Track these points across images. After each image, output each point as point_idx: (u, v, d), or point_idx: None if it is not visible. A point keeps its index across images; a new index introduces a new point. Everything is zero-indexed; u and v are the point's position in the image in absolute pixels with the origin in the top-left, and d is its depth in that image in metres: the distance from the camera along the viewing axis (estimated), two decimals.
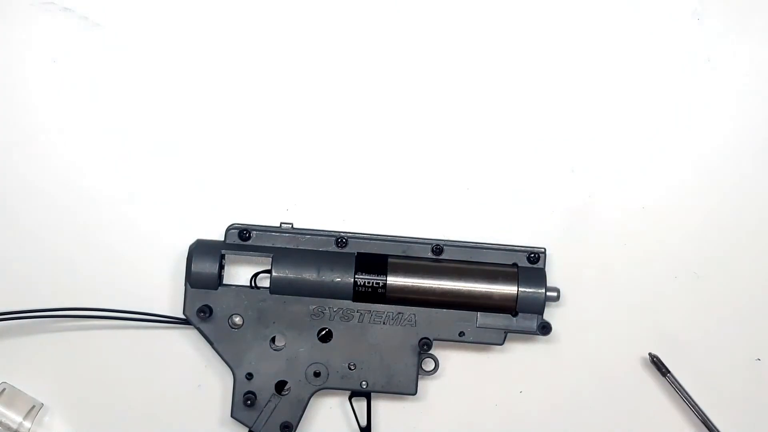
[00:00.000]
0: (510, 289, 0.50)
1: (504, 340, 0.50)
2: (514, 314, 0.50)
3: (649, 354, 0.53)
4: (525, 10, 0.54)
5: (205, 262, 0.49)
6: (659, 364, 0.52)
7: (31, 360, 0.52)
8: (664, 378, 0.52)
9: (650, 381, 0.53)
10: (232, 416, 0.50)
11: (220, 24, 0.53)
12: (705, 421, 0.52)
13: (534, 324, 0.50)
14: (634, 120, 0.54)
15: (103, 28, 0.53)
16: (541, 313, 0.50)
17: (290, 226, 0.51)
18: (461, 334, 0.50)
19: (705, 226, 0.54)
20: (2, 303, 0.51)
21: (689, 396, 0.52)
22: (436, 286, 0.50)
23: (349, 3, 0.53)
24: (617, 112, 0.54)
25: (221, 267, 0.50)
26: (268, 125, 0.53)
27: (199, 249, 0.50)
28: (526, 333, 0.50)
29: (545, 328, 0.50)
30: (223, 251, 0.50)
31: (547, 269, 0.51)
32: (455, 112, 0.54)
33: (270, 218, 0.52)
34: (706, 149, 0.54)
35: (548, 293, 0.50)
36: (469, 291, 0.50)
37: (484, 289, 0.50)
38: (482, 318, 0.50)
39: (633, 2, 0.54)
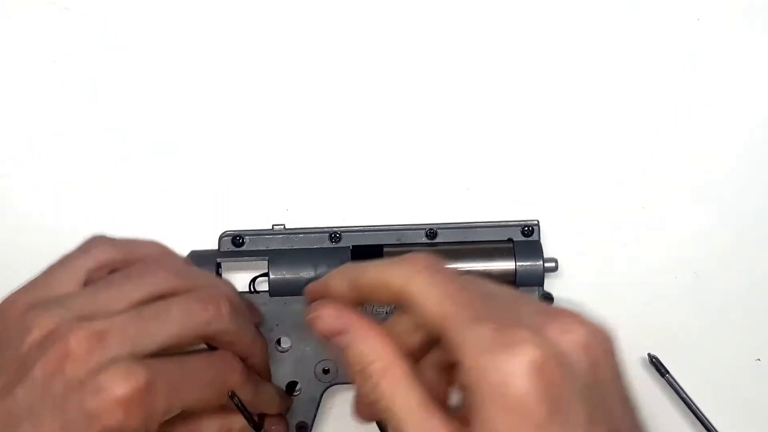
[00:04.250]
0: (508, 265, 0.49)
1: None
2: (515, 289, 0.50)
3: (649, 354, 0.53)
4: (524, 9, 0.54)
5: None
6: (659, 364, 0.52)
7: None
8: (663, 378, 0.52)
9: (650, 381, 0.53)
10: None
11: (217, 29, 0.53)
12: (704, 421, 0.52)
13: (536, 296, 0.50)
14: (634, 120, 0.54)
15: (103, 29, 0.53)
16: (542, 284, 0.50)
17: (282, 227, 0.51)
18: None
19: (705, 226, 0.54)
20: None
21: (689, 396, 0.52)
22: None
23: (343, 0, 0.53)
24: (617, 112, 0.54)
25: (218, 275, 0.50)
26: (258, 127, 0.53)
27: (194, 260, 0.49)
28: None
29: (547, 299, 0.50)
30: (218, 260, 0.50)
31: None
32: (454, 112, 0.54)
33: (263, 221, 0.51)
34: (706, 149, 0.54)
35: (546, 264, 0.50)
36: (468, 271, 0.49)
37: (482, 268, 0.49)
38: None
39: (633, 2, 0.54)
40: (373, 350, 0.37)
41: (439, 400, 0.36)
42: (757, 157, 0.54)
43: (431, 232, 0.51)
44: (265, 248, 0.51)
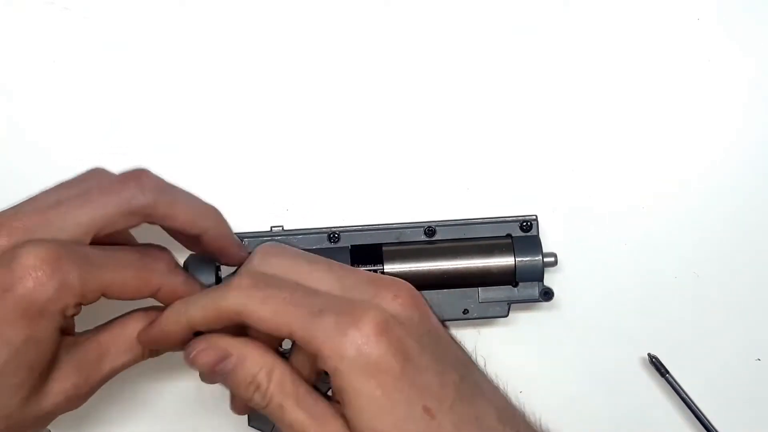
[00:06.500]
0: (507, 260, 0.49)
1: (508, 312, 0.50)
2: (515, 284, 0.50)
3: (649, 354, 0.53)
4: (523, 10, 0.54)
5: (200, 276, 0.48)
6: (659, 364, 0.52)
7: None
8: (663, 378, 0.52)
9: (650, 381, 0.53)
10: (249, 425, 0.49)
11: (216, 30, 0.54)
12: (704, 421, 0.52)
13: (536, 291, 0.50)
14: (635, 120, 0.54)
15: (103, 29, 0.53)
16: (541, 279, 0.50)
17: (281, 228, 0.51)
18: (465, 311, 0.50)
19: (705, 226, 0.54)
20: None
21: (689, 396, 0.52)
22: (434, 267, 0.49)
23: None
24: (617, 112, 0.54)
25: (218, 279, 0.49)
26: (256, 128, 0.53)
27: (194, 264, 0.49)
28: (528, 301, 0.50)
29: (547, 294, 0.50)
30: (217, 263, 0.49)
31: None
32: (454, 112, 0.54)
33: (261, 223, 0.51)
34: (706, 149, 0.54)
35: (545, 259, 0.50)
36: (467, 268, 0.49)
37: (481, 264, 0.50)
38: (484, 293, 0.50)
39: (633, 2, 0.54)
40: (256, 361, 0.40)
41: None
42: (758, 157, 0.54)
43: (430, 229, 0.51)
44: None
